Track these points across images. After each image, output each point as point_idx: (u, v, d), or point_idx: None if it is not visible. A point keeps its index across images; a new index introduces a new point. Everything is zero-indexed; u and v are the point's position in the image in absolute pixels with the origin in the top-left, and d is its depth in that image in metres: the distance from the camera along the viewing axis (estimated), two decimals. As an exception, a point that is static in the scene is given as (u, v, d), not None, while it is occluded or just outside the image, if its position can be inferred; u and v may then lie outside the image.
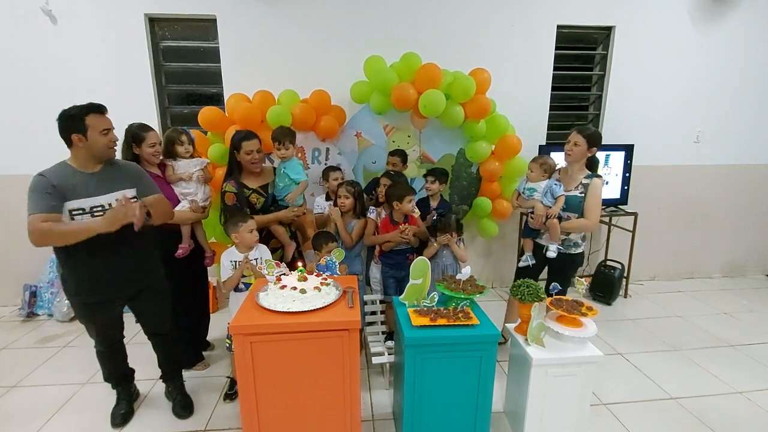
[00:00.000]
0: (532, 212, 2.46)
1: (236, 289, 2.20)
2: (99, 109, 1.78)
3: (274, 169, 2.59)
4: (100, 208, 1.77)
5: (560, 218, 2.40)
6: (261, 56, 3.27)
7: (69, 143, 1.76)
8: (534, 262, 2.57)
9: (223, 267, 2.17)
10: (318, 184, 3.19)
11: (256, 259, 2.19)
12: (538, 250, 2.56)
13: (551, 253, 2.44)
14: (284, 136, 2.47)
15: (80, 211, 1.74)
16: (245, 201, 2.39)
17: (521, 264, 2.61)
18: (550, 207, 2.40)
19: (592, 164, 2.49)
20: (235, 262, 2.14)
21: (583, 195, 2.38)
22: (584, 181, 2.39)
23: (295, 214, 2.50)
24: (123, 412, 2.12)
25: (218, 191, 2.44)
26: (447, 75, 2.98)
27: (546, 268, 2.57)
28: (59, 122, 1.74)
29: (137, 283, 1.96)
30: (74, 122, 1.72)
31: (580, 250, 2.47)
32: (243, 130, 2.48)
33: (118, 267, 1.86)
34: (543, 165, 2.45)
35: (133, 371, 2.23)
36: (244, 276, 2.14)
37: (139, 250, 1.93)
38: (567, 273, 2.49)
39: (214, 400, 2.29)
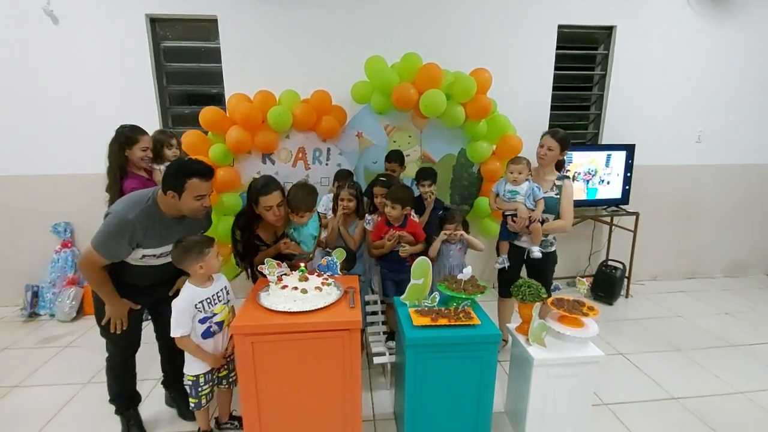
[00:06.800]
0: (513, 215, 2.46)
1: (203, 335, 1.77)
2: (203, 174, 1.70)
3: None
4: (166, 254, 1.81)
5: (542, 221, 2.44)
6: (262, 56, 3.28)
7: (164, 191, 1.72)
8: (509, 264, 2.59)
9: (182, 315, 1.70)
10: (323, 185, 3.21)
11: (219, 291, 1.82)
12: (514, 252, 2.59)
13: (537, 254, 2.46)
14: (300, 205, 2.13)
15: (151, 256, 1.80)
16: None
17: (497, 266, 2.63)
18: (532, 210, 2.42)
19: (560, 164, 2.56)
20: (202, 302, 1.74)
21: (558, 196, 2.45)
22: (557, 183, 2.48)
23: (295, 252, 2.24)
24: None
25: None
26: (448, 75, 2.97)
27: (524, 268, 2.62)
28: (167, 170, 1.73)
29: (166, 292, 1.96)
30: (176, 181, 1.67)
31: (555, 248, 2.56)
32: (262, 178, 2.15)
33: (155, 278, 1.90)
34: (528, 165, 2.45)
35: (140, 396, 2.13)
36: (215, 314, 1.78)
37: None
38: (549, 270, 2.58)
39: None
